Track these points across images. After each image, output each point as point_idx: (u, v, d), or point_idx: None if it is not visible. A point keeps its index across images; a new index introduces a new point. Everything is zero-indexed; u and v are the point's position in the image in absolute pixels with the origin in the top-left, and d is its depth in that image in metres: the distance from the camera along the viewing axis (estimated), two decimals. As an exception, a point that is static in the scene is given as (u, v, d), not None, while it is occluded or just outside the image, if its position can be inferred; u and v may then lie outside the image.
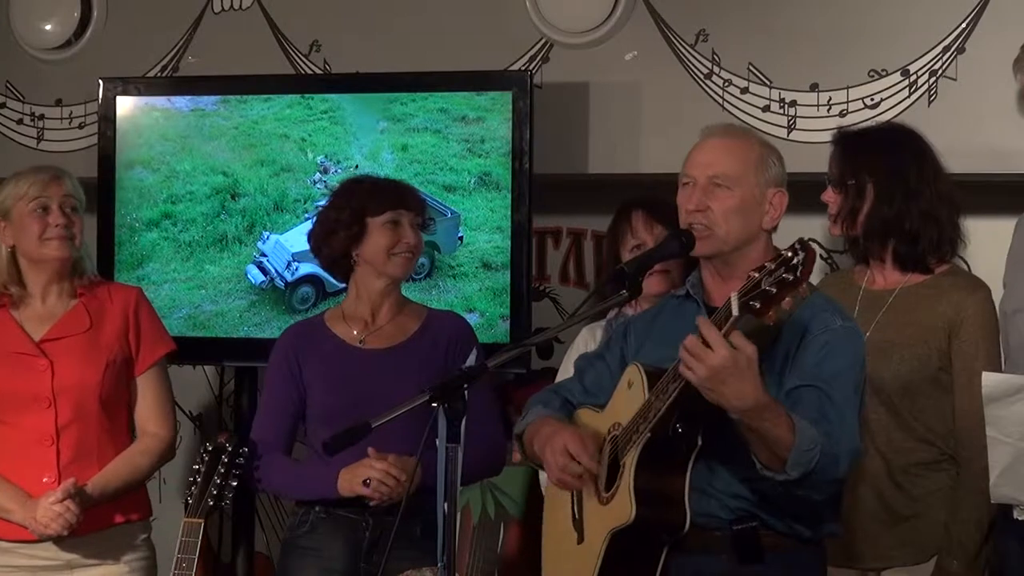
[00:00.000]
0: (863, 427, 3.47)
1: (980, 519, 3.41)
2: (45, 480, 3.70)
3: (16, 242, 3.78)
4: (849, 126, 3.79)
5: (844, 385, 2.88)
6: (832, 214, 3.60)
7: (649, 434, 2.84)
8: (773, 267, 2.62)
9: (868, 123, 3.96)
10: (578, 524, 3.05)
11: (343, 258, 3.73)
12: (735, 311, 2.65)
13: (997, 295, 3.54)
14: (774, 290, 2.61)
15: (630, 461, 2.87)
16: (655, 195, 3.86)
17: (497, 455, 3.75)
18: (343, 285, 3.86)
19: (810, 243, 2.64)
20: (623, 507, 2.86)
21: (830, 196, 3.60)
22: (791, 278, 2.61)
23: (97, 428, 3.77)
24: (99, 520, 3.74)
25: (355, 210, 3.69)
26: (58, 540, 3.71)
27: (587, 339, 3.95)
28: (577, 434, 3.01)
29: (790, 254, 2.61)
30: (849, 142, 3.63)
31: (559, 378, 3.82)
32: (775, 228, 3.04)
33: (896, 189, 3.53)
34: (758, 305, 2.63)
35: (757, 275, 2.64)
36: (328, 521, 3.65)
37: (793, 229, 2.96)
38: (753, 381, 2.70)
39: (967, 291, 3.50)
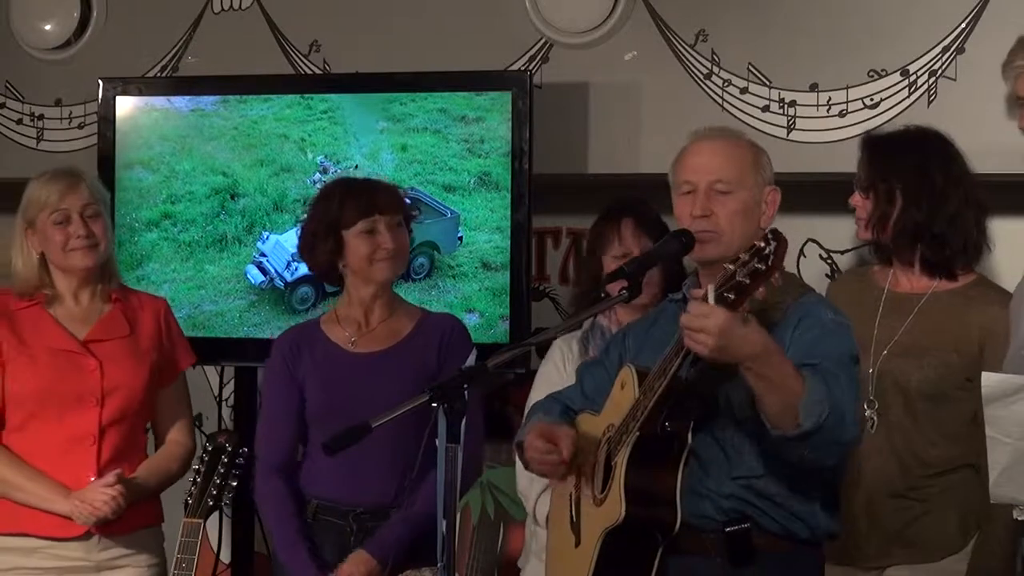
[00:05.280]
0: (883, 426, 3.50)
1: (1010, 522, 3.40)
2: (92, 479, 3.70)
3: (43, 249, 3.80)
4: (874, 129, 3.78)
5: (836, 363, 2.88)
6: (861, 219, 3.59)
7: (638, 433, 2.85)
8: (747, 258, 2.66)
9: (892, 126, 3.95)
10: (575, 527, 3.06)
11: (331, 269, 3.74)
12: (712, 304, 2.69)
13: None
14: (748, 281, 2.66)
15: (621, 460, 2.88)
16: (643, 201, 3.84)
17: (473, 473, 3.73)
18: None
19: (782, 233, 2.67)
20: (614, 506, 2.87)
21: (858, 200, 3.59)
22: (763, 268, 2.65)
23: (131, 431, 3.81)
24: (128, 523, 3.74)
25: (329, 224, 3.69)
26: (87, 539, 3.71)
27: (563, 350, 3.87)
28: (539, 429, 3.04)
29: (762, 244, 2.66)
30: (877, 146, 3.61)
31: (533, 390, 3.79)
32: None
33: (924, 192, 3.53)
34: (733, 296, 2.67)
35: (732, 267, 2.68)
36: (315, 526, 3.67)
37: (794, 229, 2.97)
38: (754, 327, 2.74)
39: (1000, 305, 3.48)
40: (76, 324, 3.80)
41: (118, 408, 3.75)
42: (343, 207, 3.69)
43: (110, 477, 3.67)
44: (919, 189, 3.53)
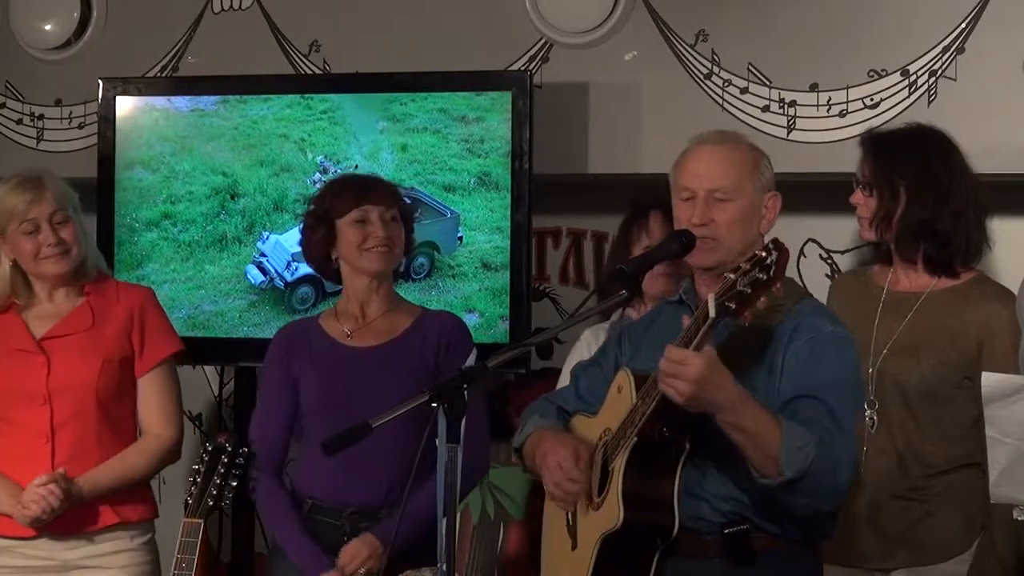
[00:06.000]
0: (883, 426, 3.50)
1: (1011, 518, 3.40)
2: (40, 477, 3.68)
3: (15, 257, 3.78)
4: (877, 128, 3.76)
5: (836, 392, 2.89)
6: (864, 218, 3.57)
7: (636, 438, 2.85)
8: (748, 267, 2.66)
9: (893, 124, 3.94)
10: (572, 530, 3.06)
11: (325, 260, 3.75)
12: (712, 313, 2.69)
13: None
14: (749, 290, 2.65)
15: (618, 465, 2.88)
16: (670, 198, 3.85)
17: (479, 465, 3.72)
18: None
19: (783, 243, 2.67)
20: (611, 511, 2.87)
21: (860, 199, 3.58)
22: (765, 278, 2.64)
23: (96, 427, 3.76)
24: (95, 519, 3.74)
25: (322, 213, 3.72)
26: (54, 538, 3.71)
27: (589, 341, 3.94)
28: (572, 448, 3.01)
29: (763, 254, 2.65)
30: (879, 144, 3.60)
31: (562, 380, 3.82)
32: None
33: (928, 190, 3.52)
34: (734, 306, 2.67)
35: (733, 276, 2.68)
36: (308, 526, 3.66)
37: (794, 229, 2.97)
38: (726, 373, 2.75)
39: (999, 301, 3.48)
40: (43, 323, 3.79)
41: (70, 405, 3.73)
42: (337, 197, 3.72)
43: (43, 476, 3.65)
44: (923, 187, 3.52)
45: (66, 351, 3.75)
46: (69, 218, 3.77)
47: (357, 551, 3.55)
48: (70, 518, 3.69)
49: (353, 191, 3.71)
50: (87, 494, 3.70)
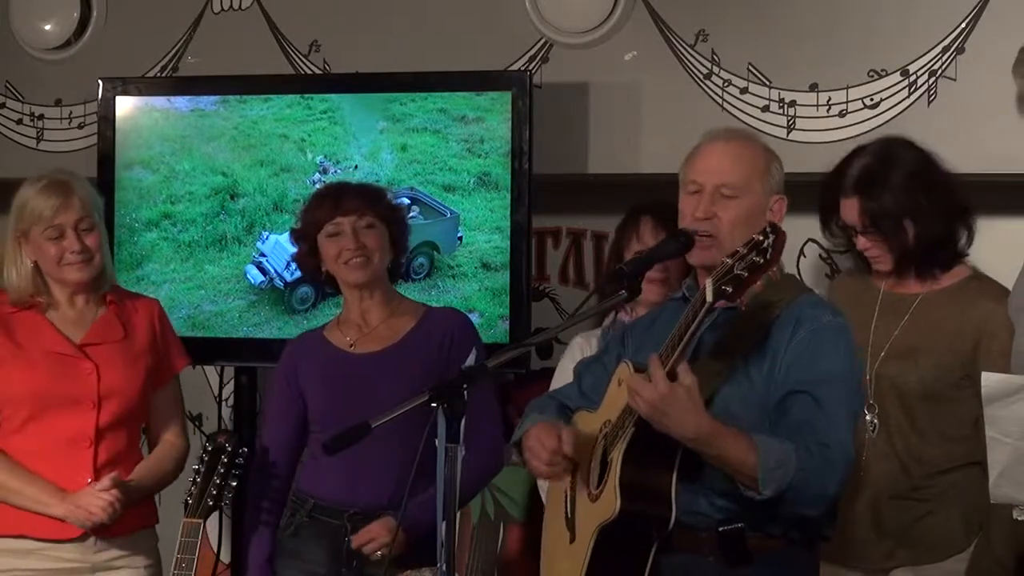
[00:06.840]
0: (883, 430, 3.50)
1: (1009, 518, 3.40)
2: (88, 481, 3.69)
3: (37, 259, 3.78)
4: (839, 170, 3.64)
5: (834, 386, 2.89)
6: (881, 259, 3.56)
7: (634, 429, 2.85)
8: (744, 251, 2.68)
9: (863, 140, 3.92)
10: (571, 523, 3.06)
11: (316, 272, 3.79)
12: (709, 297, 2.70)
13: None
14: (746, 274, 2.67)
15: (616, 456, 2.88)
16: (665, 200, 3.84)
17: (493, 465, 3.75)
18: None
19: (780, 226, 2.69)
20: (609, 501, 2.87)
21: (866, 243, 3.57)
22: (761, 261, 2.66)
23: (127, 433, 3.80)
24: (125, 524, 3.74)
25: (302, 231, 3.77)
26: (93, 540, 3.71)
27: (582, 346, 3.92)
28: (549, 426, 3.04)
29: (760, 237, 2.67)
30: (862, 188, 3.54)
31: (554, 384, 3.83)
32: None
33: (928, 208, 3.52)
34: (731, 290, 2.68)
35: (730, 260, 2.69)
36: (311, 526, 3.69)
37: (793, 229, 2.96)
38: (693, 412, 2.76)
39: (995, 299, 3.48)
40: (71, 328, 3.79)
41: (114, 412, 3.75)
42: (312, 212, 3.76)
43: (106, 481, 3.65)
44: (922, 210, 3.52)
45: (111, 359, 3.77)
46: (94, 225, 3.77)
47: (376, 532, 3.55)
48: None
49: (324, 205, 3.74)
50: (136, 499, 3.74)
